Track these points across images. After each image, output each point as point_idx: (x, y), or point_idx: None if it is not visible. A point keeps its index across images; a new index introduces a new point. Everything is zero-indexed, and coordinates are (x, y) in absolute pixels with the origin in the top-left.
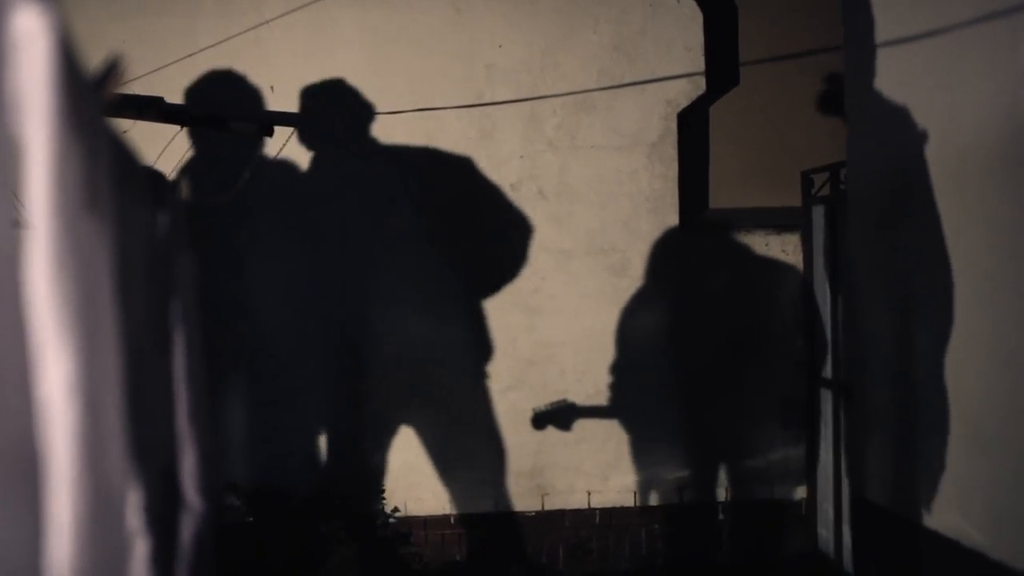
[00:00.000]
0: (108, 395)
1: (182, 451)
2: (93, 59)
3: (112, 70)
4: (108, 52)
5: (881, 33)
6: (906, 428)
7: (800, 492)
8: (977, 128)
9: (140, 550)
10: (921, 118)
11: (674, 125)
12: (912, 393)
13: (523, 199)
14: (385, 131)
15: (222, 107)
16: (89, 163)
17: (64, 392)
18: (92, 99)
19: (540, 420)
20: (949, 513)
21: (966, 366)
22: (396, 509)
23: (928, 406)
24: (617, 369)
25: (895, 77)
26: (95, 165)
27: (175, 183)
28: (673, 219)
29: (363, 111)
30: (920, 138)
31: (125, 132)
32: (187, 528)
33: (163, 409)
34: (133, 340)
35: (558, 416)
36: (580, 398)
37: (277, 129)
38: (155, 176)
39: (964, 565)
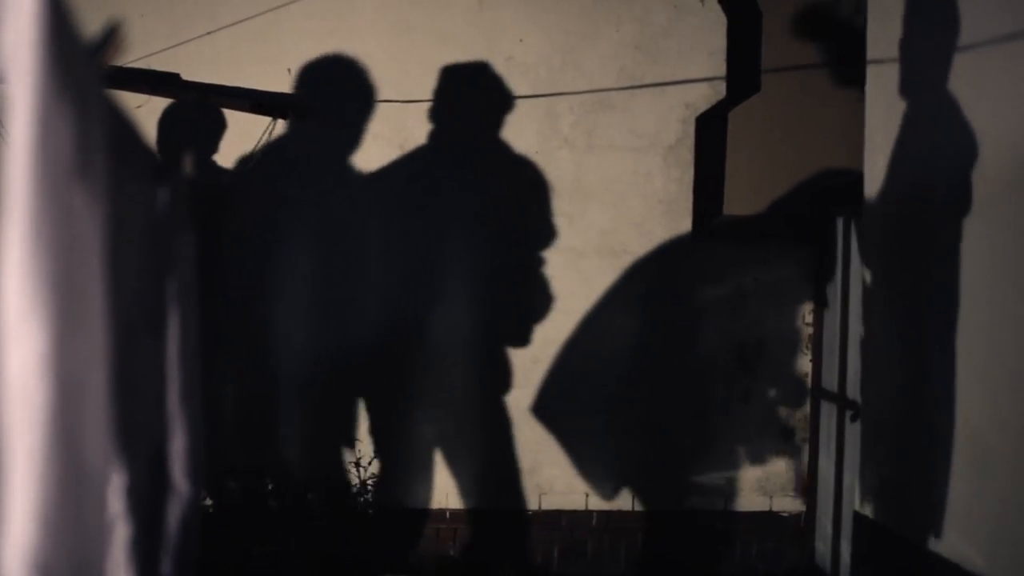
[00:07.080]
0: (90, 375)
1: (172, 434)
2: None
3: (111, 37)
4: (110, 21)
5: (907, 43)
6: (911, 447)
7: (799, 505)
8: (1010, 146)
9: (121, 535)
10: (948, 132)
11: (692, 129)
12: (919, 412)
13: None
14: (399, 120)
15: (238, 86)
16: (79, 131)
17: (35, 370)
18: (86, 65)
19: None
20: (950, 535)
21: (973, 388)
22: (391, 500)
23: (934, 426)
24: (623, 372)
25: (921, 89)
26: (86, 134)
27: (179, 161)
28: (686, 223)
29: (378, 99)
30: (945, 154)
31: (139, 107)
32: (173, 513)
33: (154, 391)
34: (123, 319)
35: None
36: (583, 399)
37: (291, 112)
38: (155, 153)
39: None
